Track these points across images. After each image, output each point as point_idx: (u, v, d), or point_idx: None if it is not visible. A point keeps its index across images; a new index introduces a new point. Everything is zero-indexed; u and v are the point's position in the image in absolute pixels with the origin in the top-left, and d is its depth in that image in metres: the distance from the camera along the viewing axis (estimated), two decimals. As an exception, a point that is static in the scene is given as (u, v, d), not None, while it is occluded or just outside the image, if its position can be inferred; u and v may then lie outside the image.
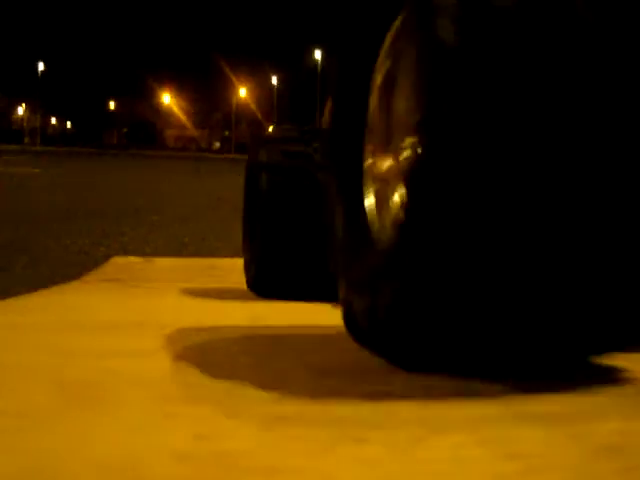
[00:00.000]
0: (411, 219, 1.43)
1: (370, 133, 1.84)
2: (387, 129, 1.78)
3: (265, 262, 3.24)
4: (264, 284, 3.27)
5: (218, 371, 1.61)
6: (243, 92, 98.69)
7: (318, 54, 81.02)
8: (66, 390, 1.44)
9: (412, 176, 1.48)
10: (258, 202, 3.33)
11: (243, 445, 1.17)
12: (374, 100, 1.83)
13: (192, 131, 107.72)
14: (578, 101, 1.28)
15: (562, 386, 1.47)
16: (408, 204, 1.47)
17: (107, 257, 4.79)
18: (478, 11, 1.29)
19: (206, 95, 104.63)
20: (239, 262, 3.68)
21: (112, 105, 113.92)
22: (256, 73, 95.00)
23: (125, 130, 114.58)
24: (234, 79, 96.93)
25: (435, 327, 1.44)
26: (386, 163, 1.76)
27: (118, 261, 4.56)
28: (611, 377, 1.59)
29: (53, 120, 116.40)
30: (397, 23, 1.72)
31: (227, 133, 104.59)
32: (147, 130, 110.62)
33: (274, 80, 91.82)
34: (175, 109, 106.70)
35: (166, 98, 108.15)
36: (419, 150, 1.43)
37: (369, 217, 1.76)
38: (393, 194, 1.67)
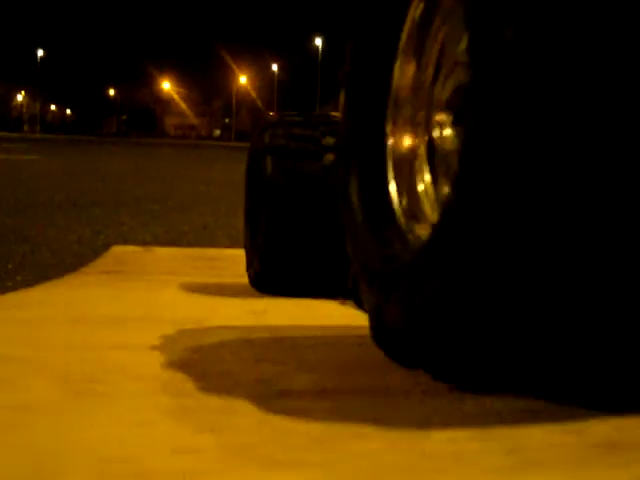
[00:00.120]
0: (456, 217, 1.25)
1: (394, 107, 1.69)
2: (416, 102, 1.65)
3: (270, 257, 2.95)
4: (268, 281, 2.99)
5: (219, 366, 1.62)
6: (243, 80, 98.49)
7: (319, 41, 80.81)
8: (68, 384, 1.45)
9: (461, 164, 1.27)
10: (262, 190, 3.01)
11: (243, 439, 1.17)
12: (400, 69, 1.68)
13: (192, 119, 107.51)
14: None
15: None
16: (452, 196, 1.29)
17: (107, 246, 4.78)
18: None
19: (206, 82, 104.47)
20: (240, 253, 3.65)
21: (111, 92, 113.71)
22: (257, 60, 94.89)
23: (124, 117, 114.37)
24: (234, 66, 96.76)
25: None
26: (414, 143, 1.64)
27: (118, 250, 4.55)
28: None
29: (52, 107, 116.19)
30: None
31: (227, 121, 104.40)
32: (147, 117, 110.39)
33: (274, 67, 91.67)
34: (175, 96, 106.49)
35: (166, 85, 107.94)
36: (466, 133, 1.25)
37: (395, 206, 1.62)
38: (423, 180, 1.57)
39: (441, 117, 1.58)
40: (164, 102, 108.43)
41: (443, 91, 1.58)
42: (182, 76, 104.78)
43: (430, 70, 1.64)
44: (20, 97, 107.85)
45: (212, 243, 5.34)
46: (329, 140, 2.94)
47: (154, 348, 1.77)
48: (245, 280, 3.26)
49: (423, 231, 1.54)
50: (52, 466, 1.06)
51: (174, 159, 25.11)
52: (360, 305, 1.71)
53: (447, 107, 1.56)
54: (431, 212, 1.61)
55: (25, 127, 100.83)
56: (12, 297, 2.84)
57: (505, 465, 1.08)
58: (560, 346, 1.25)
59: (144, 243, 5.08)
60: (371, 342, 1.61)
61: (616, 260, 1.16)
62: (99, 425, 1.22)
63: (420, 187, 1.65)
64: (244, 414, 1.29)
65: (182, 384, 1.46)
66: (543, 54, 1.12)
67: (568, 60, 1.11)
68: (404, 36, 1.67)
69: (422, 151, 1.66)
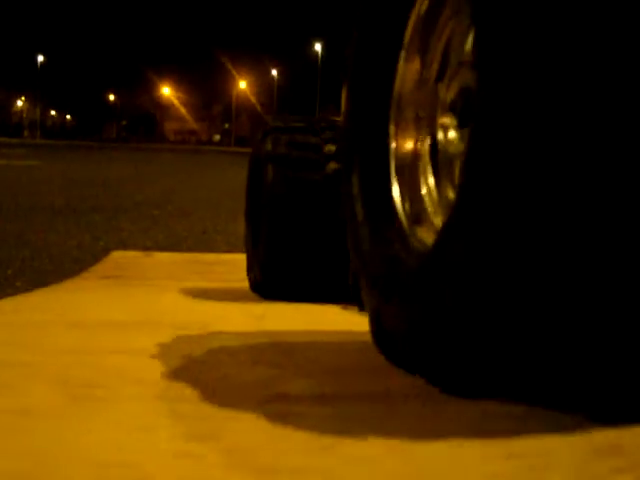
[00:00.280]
0: (460, 223, 1.23)
1: (397, 108, 1.66)
2: (419, 104, 1.61)
3: (270, 266, 2.94)
4: (269, 287, 2.98)
5: (219, 371, 1.61)
6: (243, 85, 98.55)
7: (318, 47, 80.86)
8: (67, 388, 1.45)
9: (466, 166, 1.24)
10: (263, 197, 3.01)
11: (243, 444, 1.17)
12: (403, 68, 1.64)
13: (192, 124, 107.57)
14: None
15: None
16: (457, 201, 1.26)
17: (106, 251, 4.78)
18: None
19: (206, 88, 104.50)
20: (239, 257, 3.65)
21: (111, 98, 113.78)
22: (256, 65, 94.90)
23: (124, 123, 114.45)
24: (234, 72, 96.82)
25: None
26: (417, 145, 1.61)
27: (117, 255, 4.55)
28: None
29: (53, 113, 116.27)
30: None
31: (227, 126, 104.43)
32: (147, 123, 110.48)
33: (274, 72, 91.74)
34: (175, 102, 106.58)
35: (166, 90, 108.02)
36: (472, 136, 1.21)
37: (397, 209, 1.59)
38: (428, 185, 1.55)
39: (445, 119, 1.56)
40: (164, 107, 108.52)
41: (448, 92, 1.55)
42: (182, 81, 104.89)
43: (434, 71, 1.63)
44: (20, 103, 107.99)
45: (211, 248, 5.34)
46: (331, 147, 2.93)
47: (153, 353, 1.76)
48: (245, 285, 3.26)
49: (426, 234, 1.53)
50: (51, 470, 1.05)
51: (174, 164, 25.11)
52: (360, 305, 1.70)
53: (452, 109, 1.54)
54: (434, 215, 1.60)
55: (25, 133, 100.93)
56: (11, 302, 2.84)
57: (506, 470, 1.08)
58: (562, 352, 1.23)
59: (144, 248, 5.08)
60: (371, 347, 1.61)
61: (624, 269, 1.13)
62: (98, 430, 1.22)
63: (423, 190, 1.64)
64: (243, 419, 1.28)
65: (181, 389, 1.46)
66: (554, 55, 1.09)
67: (578, 60, 1.07)
68: (408, 33, 1.64)
69: (426, 153, 1.64)
